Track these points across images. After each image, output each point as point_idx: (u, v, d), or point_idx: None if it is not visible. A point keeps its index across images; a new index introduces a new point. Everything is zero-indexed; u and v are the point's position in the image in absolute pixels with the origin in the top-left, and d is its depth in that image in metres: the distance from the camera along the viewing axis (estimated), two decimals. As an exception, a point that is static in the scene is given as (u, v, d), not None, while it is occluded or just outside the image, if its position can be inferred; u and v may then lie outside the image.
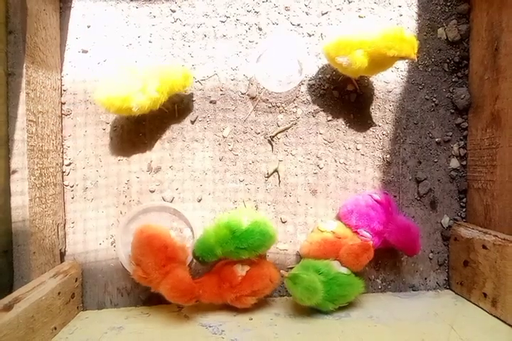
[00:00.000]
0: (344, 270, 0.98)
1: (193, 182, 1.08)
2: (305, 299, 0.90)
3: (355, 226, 1.03)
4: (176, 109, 1.07)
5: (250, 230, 0.93)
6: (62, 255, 1.03)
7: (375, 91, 1.10)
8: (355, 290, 0.98)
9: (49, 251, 0.96)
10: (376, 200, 1.05)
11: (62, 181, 1.04)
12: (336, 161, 1.10)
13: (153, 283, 0.92)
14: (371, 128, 1.11)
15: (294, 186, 1.10)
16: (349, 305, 1.02)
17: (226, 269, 0.97)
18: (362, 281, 0.99)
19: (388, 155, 1.11)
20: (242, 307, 0.96)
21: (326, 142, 1.10)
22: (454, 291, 1.10)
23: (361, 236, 1.02)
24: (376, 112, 1.10)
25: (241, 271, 0.96)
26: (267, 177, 1.09)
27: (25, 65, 0.88)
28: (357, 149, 1.10)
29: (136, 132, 1.07)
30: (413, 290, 1.12)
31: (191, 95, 1.07)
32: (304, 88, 1.09)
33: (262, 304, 1.03)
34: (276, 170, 1.09)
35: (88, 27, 1.05)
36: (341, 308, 0.99)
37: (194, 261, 1.01)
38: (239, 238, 0.92)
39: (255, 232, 0.93)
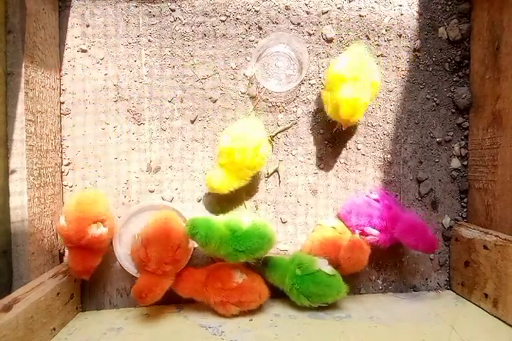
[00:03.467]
0: (328, 270, 0.96)
1: (193, 182, 1.08)
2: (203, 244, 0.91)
3: (356, 225, 1.03)
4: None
5: (249, 232, 0.92)
6: (61, 255, 1.03)
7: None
8: (334, 293, 0.96)
9: (48, 252, 0.96)
10: (374, 199, 1.05)
11: (61, 181, 1.04)
12: (336, 161, 1.10)
13: (144, 268, 0.92)
14: (372, 128, 1.10)
15: (294, 186, 1.09)
16: (349, 306, 1.02)
17: (224, 270, 0.97)
18: (345, 286, 0.97)
19: (389, 155, 1.10)
20: (221, 313, 0.94)
21: (326, 142, 1.09)
22: (454, 292, 1.10)
23: (369, 234, 1.01)
24: (377, 112, 1.10)
25: (239, 277, 0.95)
26: (267, 177, 1.09)
27: (24, 64, 0.87)
28: (357, 149, 1.10)
29: (135, 132, 1.06)
30: (414, 291, 1.11)
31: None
32: (304, 87, 1.09)
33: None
34: (276, 170, 1.09)
35: (87, 26, 1.04)
36: (340, 309, 1.00)
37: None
38: (237, 239, 0.91)
39: (254, 235, 0.92)
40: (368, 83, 0.96)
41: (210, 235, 0.90)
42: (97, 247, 0.94)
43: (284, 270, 0.98)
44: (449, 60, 1.11)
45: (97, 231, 0.93)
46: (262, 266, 1.00)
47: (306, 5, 1.08)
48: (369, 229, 1.01)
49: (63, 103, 1.04)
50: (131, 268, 1.01)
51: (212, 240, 0.90)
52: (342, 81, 0.95)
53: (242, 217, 0.96)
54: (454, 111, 1.12)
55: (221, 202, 1.08)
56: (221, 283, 0.94)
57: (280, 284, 0.99)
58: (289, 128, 1.09)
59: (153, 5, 1.06)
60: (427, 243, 1.00)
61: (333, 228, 1.03)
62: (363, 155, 1.10)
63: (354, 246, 0.97)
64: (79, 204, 0.94)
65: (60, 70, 1.04)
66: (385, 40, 1.09)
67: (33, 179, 0.90)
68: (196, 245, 0.97)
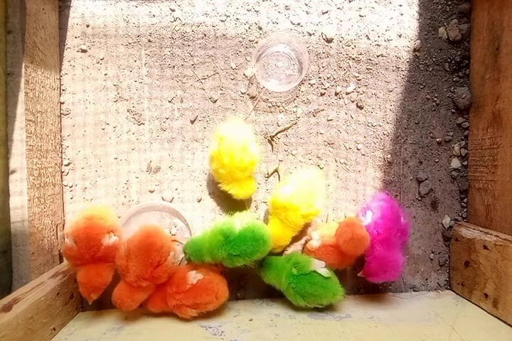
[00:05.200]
0: (323, 272, 0.95)
1: (193, 182, 1.08)
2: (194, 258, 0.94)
3: (366, 207, 1.04)
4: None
5: (243, 236, 0.91)
6: (61, 255, 1.02)
7: (376, 90, 1.10)
8: (329, 295, 0.95)
9: (48, 252, 0.96)
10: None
11: (61, 181, 1.04)
12: (336, 161, 1.10)
13: (122, 277, 0.92)
14: (372, 128, 1.10)
15: (294, 186, 1.09)
16: (349, 306, 1.02)
17: (179, 274, 0.95)
18: (342, 290, 0.96)
19: (389, 155, 1.10)
20: (181, 316, 0.93)
21: (326, 142, 1.09)
22: (454, 292, 1.10)
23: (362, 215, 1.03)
24: (377, 112, 1.10)
25: (193, 278, 0.93)
26: (267, 177, 1.09)
27: (24, 64, 0.87)
28: (357, 149, 1.10)
29: (135, 132, 1.06)
30: (414, 291, 1.11)
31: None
32: (304, 87, 1.09)
33: (261, 305, 1.03)
34: (276, 170, 1.09)
35: (87, 26, 1.04)
36: (340, 309, 1.00)
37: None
38: (231, 244, 0.90)
39: (248, 238, 0.90)
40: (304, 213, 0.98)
41: (193, 258, 0.94)
42: (112, 257, 0.93)
43: (280, 269, 0.98)
44: (449, 60, 1.11)
45: (110, 240, 0.93)
46: (257, 267, 0.99)
47: (306, 5, 1.08)
48: (368, 213, 1.01)
49: (63, 103, 1.04)
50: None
51: (193, 259, 0.94)
52: (284, 209, 0.97)
53: (235, 221, 0.94)
54: (454, 111, 1.12)
55: (221, 202, 1.08)
56: (176, 287, 0.93)
57: (276, 283, 0.98)
58: (289, 128, 1.09)
59: (153, 5, 1.06)
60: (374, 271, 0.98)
61: (323, 245, 0.99)
62: (363, 155, 1.10)
63: (348, 223, 0.98)
64: (89, 220, 0.93)
65: (60, 70, 1.04)
66: (385, 40, 1.09)
67: (33, 179, 0.90)
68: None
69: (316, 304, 0.96)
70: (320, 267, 0.96)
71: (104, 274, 0.92)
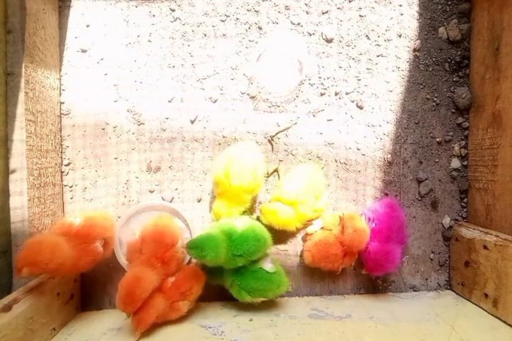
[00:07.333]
0: (268, 267, 0.96)
1: (193, 182, 1.08)
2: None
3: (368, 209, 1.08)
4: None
5: (245, 235, 0.91)
6: (62, 255, 1.02)
7: (376, 90, 1.10)
8: (274, 288, 0.95)
9: (48, 252, 0.96)
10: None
11: (61, 181, 1.04)
12: (336, 161, 1.10)
13: (134, 260, 0.93)
14: (372, 128, 1.10)
15: (294, 186, 1.09)
16: (349, 306, 1.02)
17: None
18: (287, 281, 0.97)
19: (389, 155, 1.10)
20: (177, 315, 0.92)
21: (326, 142, 1.09)
22: (454, 292, 1.10)
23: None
24: (377, 112, 1.10)
25: (171, 278, 0.94)
26: (267, 177, 1.09)
27: (24, 64, 0.87)
28: (357, 149, 1.10)
29: (135, 132, 1.06)
30: (414, 291, 1.11)
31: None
32: (304, 87, 1.09)
33: (262, 305, 1.03)
34: (276, 170, 1.09)
35: (87, 26, 1.04)
36: (340, 309, 1.00)
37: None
38: (234, 243, 0.89)
39: (250, 237, 0.91)
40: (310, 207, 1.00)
41: (220, 254, 0.88)
42: (86, 259, 0.89)
43: (219, 268, 0.95)
44: (449, 60, 1.11)
45: (99, 248, 0.92)
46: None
47: (306, 5, 1.08)
48: (365, 214, 1.04)
49: (63, 103, 1.04)
50: (131, 268, 1.01)
51: (222, 257, 0.88)
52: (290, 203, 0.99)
53: (235, 221, 0.95)
54: (454, 111, 1.12)
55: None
56: (160, 291, 0.91)
57: (220, 282, 0.98)
58: (289, 128, 1.09)
59: (153, 5, 1.06)
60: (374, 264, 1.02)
61: (322, 228, 1.03)
62: (363, 155, 1.10)
63: (348, 218, 1.01)
64: (106, 220, 0.97)
65: (60, 70, 1.04)
66: (385, 40, 1.09)
67: (33, 179, 0.90)
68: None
69: (261, 298, 0.95)
70: (266, 263, 0.97)
71: (63, 250, 0.82)
